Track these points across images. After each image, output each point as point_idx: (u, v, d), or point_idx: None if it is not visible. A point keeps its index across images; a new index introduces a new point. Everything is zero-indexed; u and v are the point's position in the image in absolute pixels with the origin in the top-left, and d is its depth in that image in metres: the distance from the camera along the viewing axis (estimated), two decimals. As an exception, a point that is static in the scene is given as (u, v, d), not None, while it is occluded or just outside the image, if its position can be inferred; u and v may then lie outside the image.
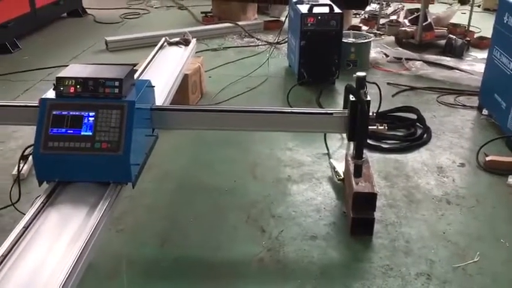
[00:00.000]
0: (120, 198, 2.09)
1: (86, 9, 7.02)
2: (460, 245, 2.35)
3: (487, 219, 2.56)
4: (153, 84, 2.45)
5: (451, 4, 7.36)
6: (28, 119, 2.28)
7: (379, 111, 3.49)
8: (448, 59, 4.89)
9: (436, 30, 5.33)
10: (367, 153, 2.77)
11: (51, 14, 6.30)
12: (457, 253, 2.30)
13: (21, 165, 2.61)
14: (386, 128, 2.28)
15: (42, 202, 1.95)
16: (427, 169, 3.00)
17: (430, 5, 6.68)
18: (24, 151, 2.28)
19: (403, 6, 6.79)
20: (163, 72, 3.29)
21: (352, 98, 2.18)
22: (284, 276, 2.18)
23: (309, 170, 2.99)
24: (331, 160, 3.02)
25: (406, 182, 2.86)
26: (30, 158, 2.78)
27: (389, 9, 6.98)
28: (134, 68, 2.53)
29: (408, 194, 2.75)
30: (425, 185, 2.84)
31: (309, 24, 4.13)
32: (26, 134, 3.23)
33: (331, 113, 2.32)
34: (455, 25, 5.62)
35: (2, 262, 1.64)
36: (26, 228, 1.81)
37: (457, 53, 5.02)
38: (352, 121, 2.20)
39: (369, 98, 2.18)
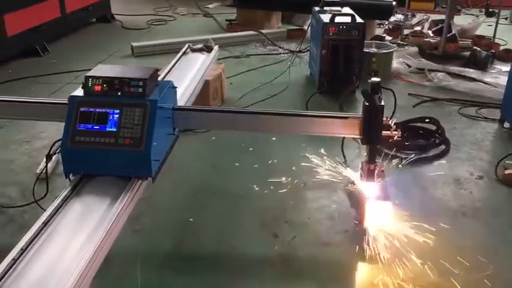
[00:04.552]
0: (140, 192, 2.16)
1: (114, 15, 7.19)
2: (476, 258, 2.33)
3: (504, 233, 2.54)
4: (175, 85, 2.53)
5: (477, 16, 7.29)
6: (57, 116, 2.37)
7: (399, 121, 3.52)
8: (472, 70, 4.85)
9: (460, 42, 5.30)
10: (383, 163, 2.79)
11: (80, 19, 6.48)
12: (472, 265, 2.28)
13: (48, 161, 2.70)
14: (400, 133, 2.30)
15: (68, 193, 2.05)
16: (444, 180, 2.99)
17: (455, 17, 6.64)
18: (53, 145, 2.37)
19: (428, 17, 6.75)
20: (185, 77, 3.35)
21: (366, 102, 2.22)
22: (294, 280, 2.21)
23: (325, 177, 3.00)
24: (348, 169, 3.03)
25: (421, 193, 2.86)
26: (54, 157, 2.90)
27: (414, 20, 6.96)
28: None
29: (423, 204, 2.73)
30: (441, 197, 2.83)
31: (331, 34, 4.16)
32: (51, 135, 3.34)
33: (347, 117, 2.35)
34: (480, 37, 5.56)
35: (32, 241, 1.77)
36: (53, 214, 1.92)
37: (481, 65, 4.97)
38: (366, 125, 2.23)
39: (383, 103, 2.21)
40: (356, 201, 2.59)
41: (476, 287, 2.16)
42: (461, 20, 6.56)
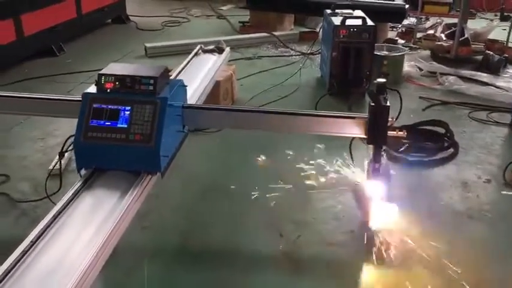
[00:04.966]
0: (150, 186, 2.22)
1: (129, 17, 7.29)
2: (479, 260, 2.34)
3: (509, 236, 2.54)
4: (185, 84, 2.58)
5: (492, 20, 7.25)
6: (71, 112, 2.43)
7: (408, 124, 3.55)
8: (484, 75, 4.83)
9: (473, 46, 5.28)
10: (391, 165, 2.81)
11: (96, 20, 6.58)
12: (475, 267, 2.29)
13: (61, 157, 2.77)
14: (405, 133, 2.33)
15: (79, 186, 2.12)
16: (451, 183, 3.00)
17: (471, 21, 6.62)
18: (66, 141, 2.42)
19: (442, 21, 6.74)
20: (196, 77, 3.41)
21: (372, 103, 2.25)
22: (298, 277, 2.25)
23: (332, 178, 3.03)
24: (354, 170, 3.05)
25: (428, 195, 2.87)
26: (67, 154, 2.97)
27: (428, 23, 6.94)
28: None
29: (429, 206, 2.75)
30: (448, 199, 2.84)
31: (341, 36, 4.18)
32: (65, 132, 3.40)
33: (353, 117, 2.39)
34: (493, 41, 5.54)
35: (43, 233, 1.84)
36: (65, 206, 2.00)
37: (494, 69, 4.95)
38: (371, 125, 2.27)
39: (388, 104, 2.23)
40: (361, 201, 2.61)
41: (479, 289, 2.17)
42: (475, 24, 6.53)
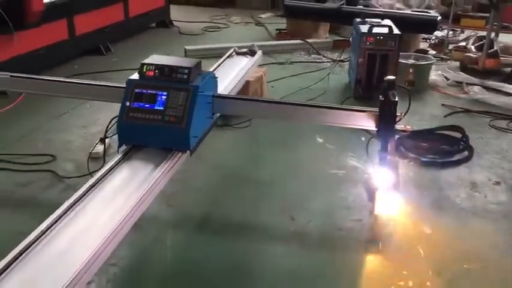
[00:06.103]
0: (180, 163, 2.50)
1: (173, 21, 7.70)
2: (477, 252, 2.51)
3: (509, 233, 2.68)
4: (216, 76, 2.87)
5: (528, 34, 7.23)
6: (115, 97, 2.76)
7: (427, 128, 3.74)
8: (511, 86, 4.91)
9: (502, 58, 5.36)
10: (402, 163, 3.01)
11: (141, 24, 7.01)
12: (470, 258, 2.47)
13: (104, 140, 3.11)
14: (412, 127, 2.53)
15: (119, 158, 2.44)
16: (461, 183, 3.15)
17: (506, 35, 6.65)
18: (111, 120, 2.73)
19: (476, 33, 6.80)
20: (228, 75, 3.69)
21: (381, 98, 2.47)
22: (306, 255, 2.49)
23: (348, 173, 3.24)
24: (369, 166, 3.24)
25: (437, 192, 3.04)
26: (107, 140, 3.32)
27: (462, 36, 7.02)
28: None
29: (436, 202, 2.92)
30: (455, 197, 3.00)
31: (368, 43, 4.39)
32: (106, 122, 3.75)
33: (365, 110, 2.61)
34: (523, 54, 5.59)
35: (85, 194, 2.15)
36: (106, 174, 2.31)
37: (521, 81, 5.02)
38: (381, 118, 2.50)
39: (396, 99, 2.46)
40: (370, 191, 2.81)
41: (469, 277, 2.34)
42: (509, 38, 6.56)
